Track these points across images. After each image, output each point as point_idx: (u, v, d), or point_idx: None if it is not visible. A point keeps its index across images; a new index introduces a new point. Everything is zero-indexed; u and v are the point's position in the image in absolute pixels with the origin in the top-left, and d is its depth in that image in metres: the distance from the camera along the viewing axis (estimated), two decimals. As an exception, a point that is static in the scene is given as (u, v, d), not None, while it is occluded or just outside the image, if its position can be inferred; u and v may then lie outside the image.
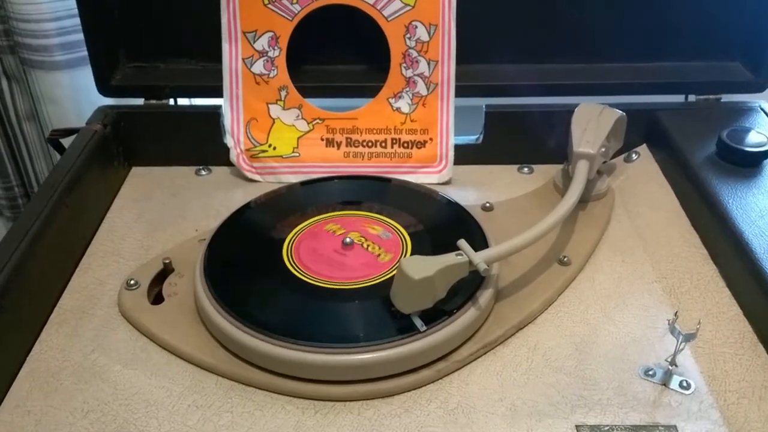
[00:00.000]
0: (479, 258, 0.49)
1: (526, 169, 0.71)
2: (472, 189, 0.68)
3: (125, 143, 0.69)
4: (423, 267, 0.47)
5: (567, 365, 0.49)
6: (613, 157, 0.67)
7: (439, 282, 0.47)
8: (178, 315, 0.52)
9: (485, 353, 0.50)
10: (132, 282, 0.54)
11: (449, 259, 0.48)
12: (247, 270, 0.54)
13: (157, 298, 0.54)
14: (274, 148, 0.67)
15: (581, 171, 0.59)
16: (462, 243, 0.50)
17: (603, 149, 0.61)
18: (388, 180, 0.65)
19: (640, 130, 0.69)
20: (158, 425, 0.45)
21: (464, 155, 0.69)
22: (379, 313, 0.49)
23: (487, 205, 0.64)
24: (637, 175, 0.68)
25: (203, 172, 0.70)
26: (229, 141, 0.68)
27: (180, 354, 0.49)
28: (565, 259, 0.58)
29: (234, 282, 0.52)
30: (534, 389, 0.47)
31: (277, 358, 0.46)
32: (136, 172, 0.70)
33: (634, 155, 0.70)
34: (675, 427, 0.45)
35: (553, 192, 0.65)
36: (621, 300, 0.54)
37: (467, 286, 0.50)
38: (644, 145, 0.71)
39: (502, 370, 0.49)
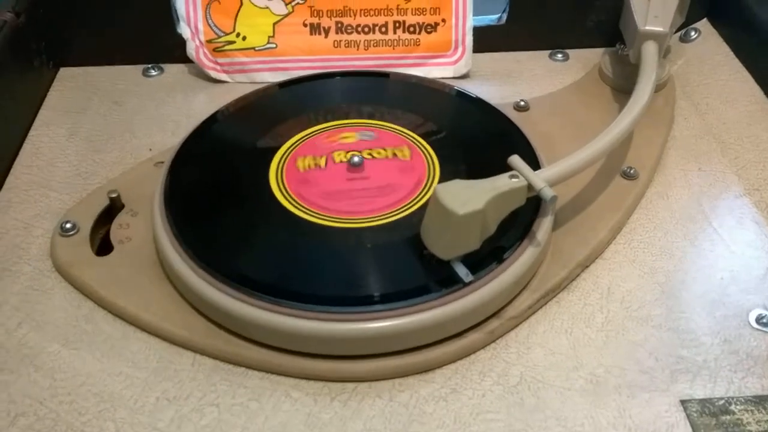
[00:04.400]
0: (542, 180, 0.37)
1: (559, 55, 0.60)
2: (496, 83, 0.57)
3: (48, 36, 0.57)
4: (467, 196, 0.35)
5: (654, 314, 0.39)
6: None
7: (490, 215, 0.36)
8: (134, 269, 0.41)
9: (546, 303, 0.40)
10: (68, 225, 0.43)
11: (502, 183, 0.37)
12: (227, 205, 0.42)
13: (103, 247, 0.44)
14: (244, 39, 0.57)
15: (650, 55, 0.48)
16: (516, 160, 0.39)
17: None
18: (389, 75, 0.54)
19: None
20: (116, 430, 0.34)
21: (484, 40, 0.59)
22: (409, 261, 0.38)
23: (522, 103, 0.53)
24: (700, 58, 0.58)
25: (153, 72, 0.59)
26: (184, 30, 0.57)
27: (141, 324, 0.39)
28: (631, 171, 0.47)
29: (210, 222, 0.41)
30: (617, 351, 0.38)
31: (277, 328, 0.36)
32: (66, 74, 0.59)
33: (692, 33, 0.60)
34: (811, 395, 0.35)
35: (600, 83, 0.56)
36: (706, 222, 0.45)
37: (519, 217, 0.40)
38: (704, 20, 0.61)
39: (572, 327, 0.39)
